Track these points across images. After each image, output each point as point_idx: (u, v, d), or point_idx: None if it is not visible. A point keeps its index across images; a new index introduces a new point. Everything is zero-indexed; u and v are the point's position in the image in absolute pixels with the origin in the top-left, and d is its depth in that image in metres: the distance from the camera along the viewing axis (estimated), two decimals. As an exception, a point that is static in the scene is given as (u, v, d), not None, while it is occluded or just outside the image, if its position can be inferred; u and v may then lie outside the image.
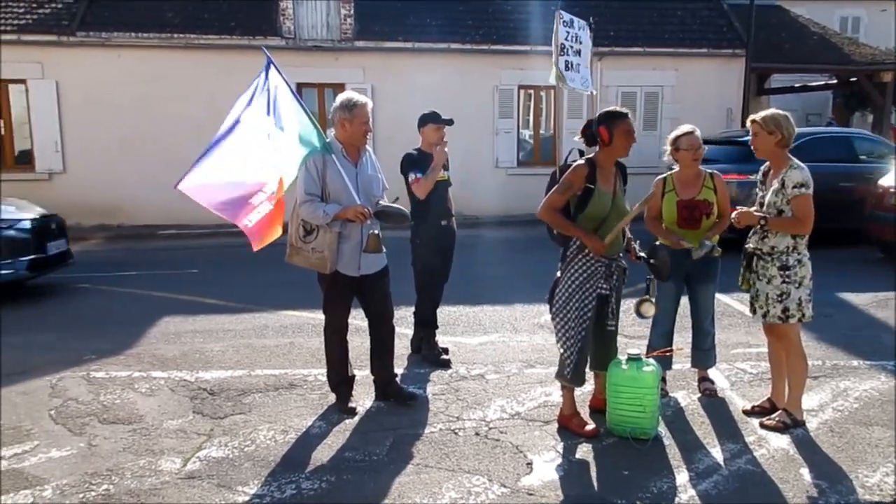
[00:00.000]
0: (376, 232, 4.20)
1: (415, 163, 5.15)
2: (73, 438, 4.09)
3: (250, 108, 4.03)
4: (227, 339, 6.03)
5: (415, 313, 5.51)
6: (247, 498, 3.40)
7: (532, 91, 14.74)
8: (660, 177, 4.61)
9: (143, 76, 13.06)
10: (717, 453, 3.85)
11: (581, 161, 3.99)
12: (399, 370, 4.93)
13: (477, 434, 4.10)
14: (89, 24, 12.96)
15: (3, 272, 7.19)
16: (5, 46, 12.70)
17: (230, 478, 3.60)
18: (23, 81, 12.99)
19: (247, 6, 13.82)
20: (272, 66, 4.15)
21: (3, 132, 13.41)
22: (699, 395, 4.67)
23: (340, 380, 4.52)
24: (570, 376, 4.05)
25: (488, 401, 4.59)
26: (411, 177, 5.12)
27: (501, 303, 7.12)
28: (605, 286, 3.99)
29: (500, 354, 5.57)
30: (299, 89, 13.69)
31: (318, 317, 6.24)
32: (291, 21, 13.46)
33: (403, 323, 5.55)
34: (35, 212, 7.82)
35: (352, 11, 13.62)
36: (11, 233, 7.33)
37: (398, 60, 13.82)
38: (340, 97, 4.31)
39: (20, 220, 7.52)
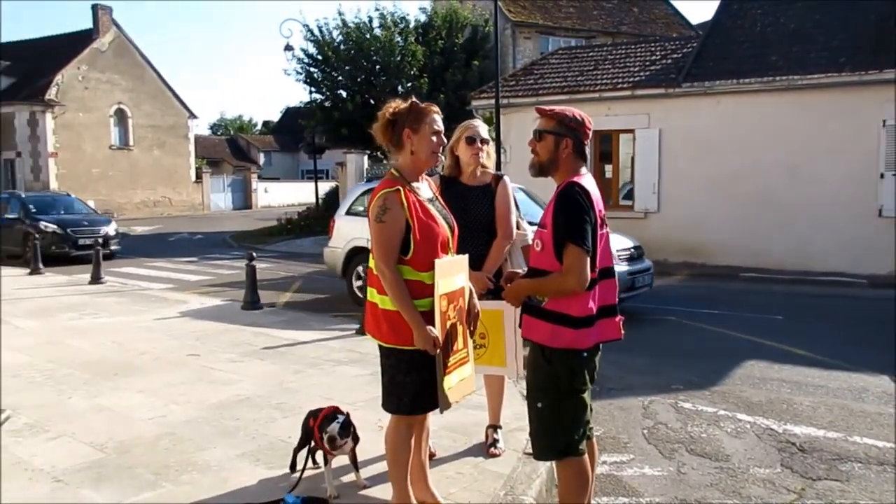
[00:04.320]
0: None
1: None
2: (664, 461, 4.31)
3: None
4: (818, 395, 5.56)
5: None
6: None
7: None
8: None
9: (739, 120, 13.29)
10: None
11: None
12: None
13: None
14: (694, 76, 13.83)
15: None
16: (621, 101, 14.55)
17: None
18: (631, 131, 14.64)
19: (861, 40, 12.73)
20: None
21: (610, 175, 15.37)
22: None
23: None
24: None
25: None
26: None
27: None
28: None
29: None
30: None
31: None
32: (916, 49, 11.86)
33: None
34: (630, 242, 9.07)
35: None
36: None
37: None
38: None
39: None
